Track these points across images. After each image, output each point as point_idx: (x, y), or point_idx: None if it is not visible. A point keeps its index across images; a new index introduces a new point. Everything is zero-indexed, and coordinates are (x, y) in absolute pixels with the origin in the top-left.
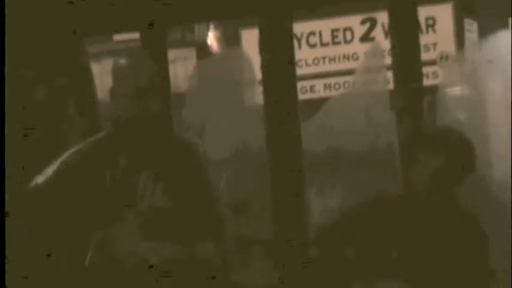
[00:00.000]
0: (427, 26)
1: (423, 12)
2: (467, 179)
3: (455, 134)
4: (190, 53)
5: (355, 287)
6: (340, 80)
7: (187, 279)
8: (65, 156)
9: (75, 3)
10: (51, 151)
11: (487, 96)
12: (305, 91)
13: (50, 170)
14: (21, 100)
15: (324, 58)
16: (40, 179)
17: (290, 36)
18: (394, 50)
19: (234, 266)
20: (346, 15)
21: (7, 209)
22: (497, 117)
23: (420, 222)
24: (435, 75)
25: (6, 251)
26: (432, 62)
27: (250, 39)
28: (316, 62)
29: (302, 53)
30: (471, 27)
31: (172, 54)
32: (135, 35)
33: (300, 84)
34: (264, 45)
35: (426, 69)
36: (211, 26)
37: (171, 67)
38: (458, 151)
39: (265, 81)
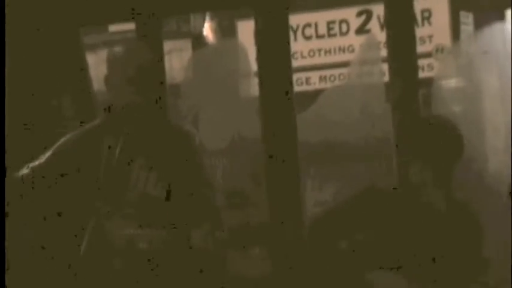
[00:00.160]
0: (423, 18)
1: (419, 5)
2: (458, 167)
3: (442, 121)
4: (186, 44)
5: (350, 278)
6: (336, 72)
7: (181, 268)
8: (59, 143)
9: None
10: (46, 142)
11: (483, 89)
12: (300, 83)
13: (44, 157)
14: (18, 93)
15: (319, 50)
16: (34, 165)
17: (286, 28)
18: (390, 42)
19: (228, 255)
20: (342, 7)
21: (7, 208)
22: (492, 109)
23: (415, 213)
24: (431, 67)
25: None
26: (428, 54)
27: (246, 30)
28: (311, 54)
29: (298, 45)
30: (467, 19)
31: (167, 45)
32: (131, 26)
33: (295, 76)
34: (260, 37)
35: (422, 62)
36: (207, 17)
37: (166, 58)
38: (448, 139)
39: (261, 73)
